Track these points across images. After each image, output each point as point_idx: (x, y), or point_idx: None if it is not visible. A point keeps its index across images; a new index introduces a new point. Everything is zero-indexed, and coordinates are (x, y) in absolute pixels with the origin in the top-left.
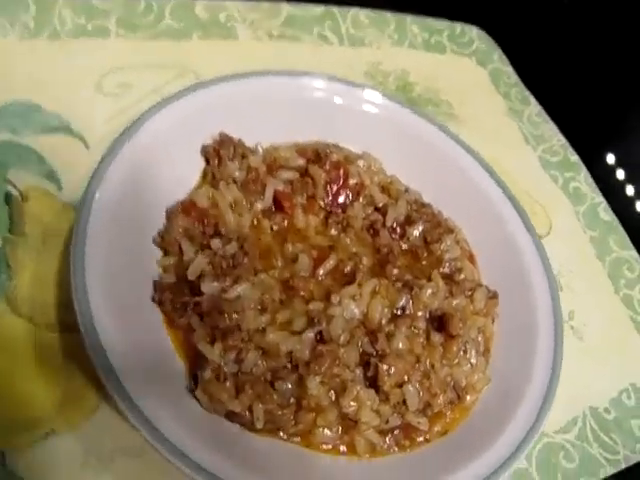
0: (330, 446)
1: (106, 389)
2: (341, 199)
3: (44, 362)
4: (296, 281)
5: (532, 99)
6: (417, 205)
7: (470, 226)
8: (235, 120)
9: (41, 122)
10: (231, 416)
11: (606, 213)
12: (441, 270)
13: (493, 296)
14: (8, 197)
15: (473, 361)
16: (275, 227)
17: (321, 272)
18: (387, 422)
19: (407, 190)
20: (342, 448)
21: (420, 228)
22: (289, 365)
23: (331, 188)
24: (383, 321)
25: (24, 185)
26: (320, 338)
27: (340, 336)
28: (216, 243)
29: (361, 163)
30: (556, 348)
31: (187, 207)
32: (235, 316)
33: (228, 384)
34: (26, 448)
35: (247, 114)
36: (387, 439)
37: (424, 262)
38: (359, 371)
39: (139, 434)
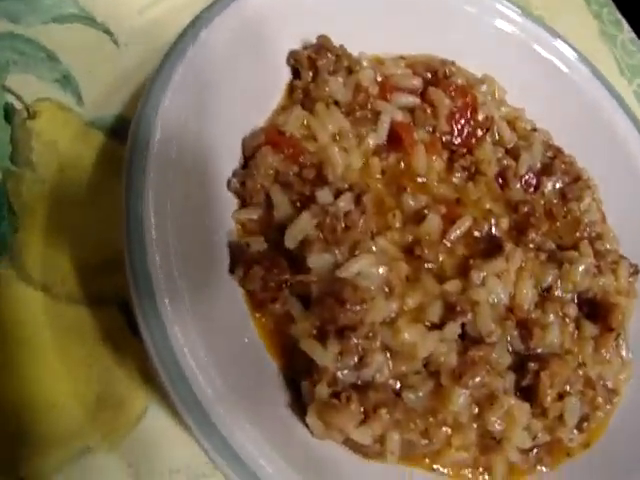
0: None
1: (176, 406)
2: (465, 135)
3: (67, 350)
4: (424, 249)
5: (625, 24)
6: (552, 150)
7: (600, 178)
8: (326, 21)
9: (51, 7)
10: (350, 444)
11: None
12: (577, 234)
13: (635, 271)
14: (9, 112)
15: (624, 355)
16: (387, 170)
17: (453, 236)
18: (534, 439)
19: (536, 129)
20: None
21: (559, 180)
22: (423, 369)
23: (457, 121)
24: (531, 306)
25: (30, 95)
26: (462, 333)
27: (492, 332)
28: (324, 195)
29: (483, 89)
30: None
31: (273, 138)
32: (359, 306)
33: (354, 406)
34: (53, 473)
35: (341, 14)
36: (529, 457)
37: (558, 224)
38: (510, 378)
39: (203, 449)
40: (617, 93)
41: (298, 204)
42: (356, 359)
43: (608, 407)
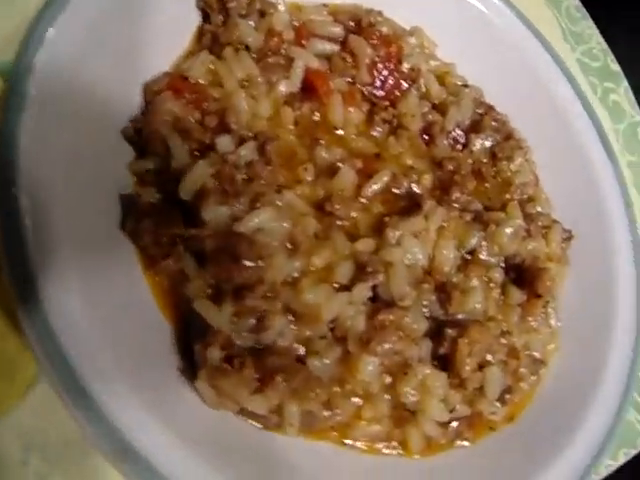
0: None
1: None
2: (388, 87)
3: None
4: (335, 205)
5: None
6: (483, 107)
7: (535, 140)
8: None
9: None
10: (247, 415)
11: None
12: (507, 196)
13: (568, 237)
14: None
15: (552, 323)
16: (301, 121)
17: (369, 192)
18: (452, 411)
19: (467, 85)
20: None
21: (489, 139)
22: (329, 334)
23: (379, 72)
24: (452, 269)
25: None
26: (374, 296)
27: (406, 295)
28: (225, 143)
29: (412, 41)
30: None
31: (176, 83)
32: (255, 263)
33: (247, 372)
34: None
35: None
36: (447, 431)
37: (487, 185)
38: (426, 346)
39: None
40: (555, 52)
41: (197, 154)
42: (254, 321)
43: (533, 378)
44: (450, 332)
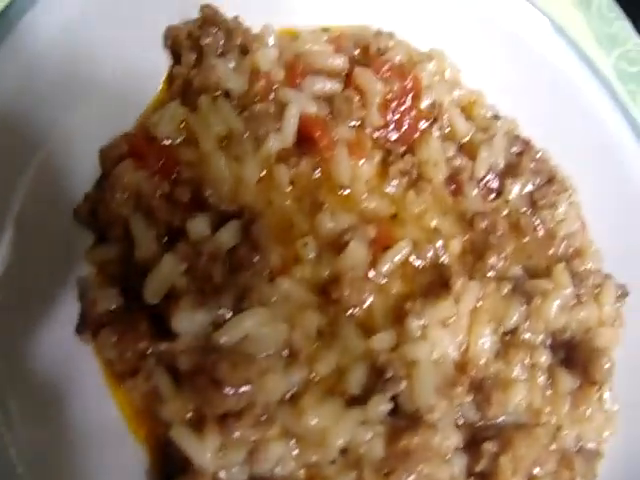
0: None
1: None
2: (404, 129)
3: None
4: (343, 289)
5: None
6: (519, 144)
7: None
8: None
9: None
10: None
11: None
12: (550, 252)
13: (622, 294)
14: None
15: (608, 407)
16: (298, 181)
17: (385, 269)
18: None
19: (498, 116)
20: None
21: (527, 183)
22: (341, 457)
23: (393, 111)
24: (490, 358)
25: None
26: (394, 406)
27: (434, 407)
28: (199, 226)
29: (431, 69)
30: None
31: (138, 147)
32: (242, 388)
33: None
34: None
35: None
36: None
37: (527, 239)
38: (460, 462)
39: None
40: (595, 67)
41: (166, 239)
42: (246, 453)
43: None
44: (490, 447)
